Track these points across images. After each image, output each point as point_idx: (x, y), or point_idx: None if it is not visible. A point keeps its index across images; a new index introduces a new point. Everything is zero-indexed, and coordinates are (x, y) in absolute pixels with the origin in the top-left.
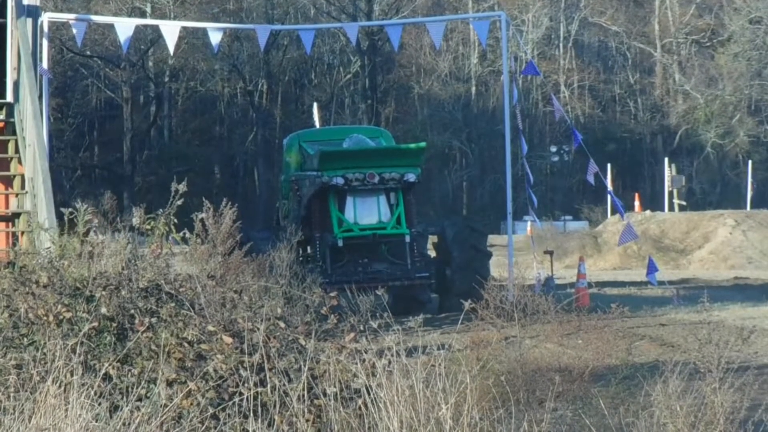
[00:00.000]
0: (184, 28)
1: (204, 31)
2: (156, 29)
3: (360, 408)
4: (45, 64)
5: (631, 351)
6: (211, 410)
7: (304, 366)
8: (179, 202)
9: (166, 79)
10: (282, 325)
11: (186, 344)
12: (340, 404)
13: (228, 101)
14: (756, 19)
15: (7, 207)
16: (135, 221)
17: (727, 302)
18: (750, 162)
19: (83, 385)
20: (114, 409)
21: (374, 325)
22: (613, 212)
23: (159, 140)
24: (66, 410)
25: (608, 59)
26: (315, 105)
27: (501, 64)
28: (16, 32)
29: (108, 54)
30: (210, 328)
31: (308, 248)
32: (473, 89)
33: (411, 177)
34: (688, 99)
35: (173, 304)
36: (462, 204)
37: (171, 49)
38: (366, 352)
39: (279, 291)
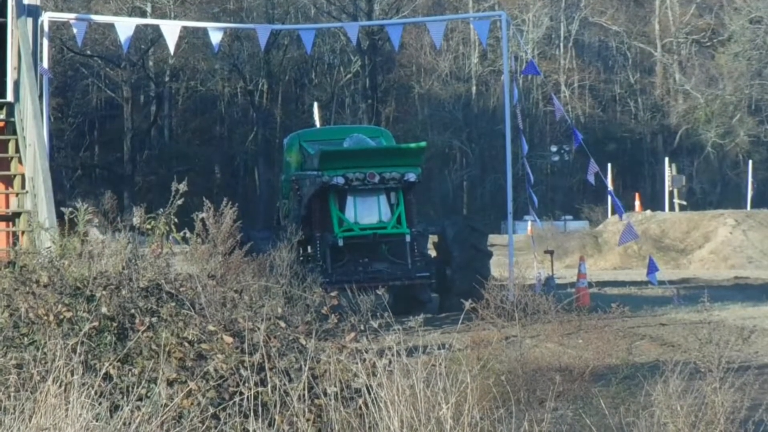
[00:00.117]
0: (184, 28)
1: (204, 30)
2: (156, 29)
3: (360, 408)
4: (45, 64)
5: (631, 351)
6: (211, 410)
7: (305, 366)
8: (179, 202)
9: (167, 79)
10: (282, 324)
11: (186, 344)
12: (341, 404)
13: (228, 101)
14: (756, 19)
15: (7, 206)
16: (135, 221)
17: (728, 302)
18: (750, 162)
19: (84, 384)
20: (114, 408)
21: (375, 324)
22: (614, 212)
23: (159, 140)
24: (66, 410)
25: (608, 59)
26: (315, 105)
27: (501, 63)
28: (17, 32)
29: (108, 53)
30: (210, 327)
31: (309, 248)
32: (473, 89)
33: (411, 177)
34: (688, 99)
35: (174, 304)
36: (462, 204)
37: (171, 48)
38: (366, 352)
39: (279, 291)
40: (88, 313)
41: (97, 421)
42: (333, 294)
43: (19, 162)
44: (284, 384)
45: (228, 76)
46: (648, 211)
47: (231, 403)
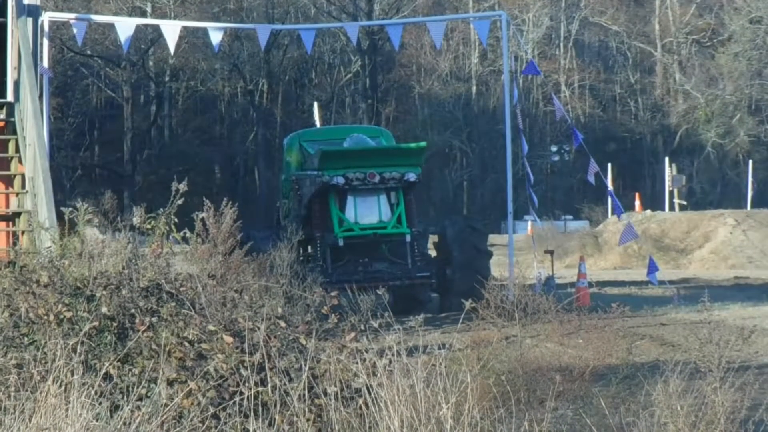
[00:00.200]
0: (184, 28)
1: (204, 30)
2: (156, 29)
3: (361, 407)
4: (45, 64)
5: (631, 350)
6: (211, 410)
7: (305, 365)
8: (180, 202)
9: (167, 79)
10: (282, 324)
11: (187, 344)
12: (341, 404)
13: (228, 101)
14: (756, 19)
15: (7, 206)
16: (135, 221)
17: (728, 302)
18: (750, 161)
19: (84, 384)
20: (114, 408)
21: (375, 324)
22: (614, 212)
23: (159, 140)
24: (66, 410)
25: (609, 59)
26: (315, 104)
27: (501, 63)
28: (17, 32)
29: (108, 53)
30: (210, 327)
31: (309, 248)
32: (474, 89)
33: (411, 176)
34: (688, 99)
35: (174, 304)
36: (462, 203)
37: (171, 48)
38: (367, 352)
39: (279, 290)
40: (88, 313)
41: (97, 421)
42: (333, 294)
43: (19, 162)
44: (284, 384)
45: (228, 76)
46: (648, 211)
47: (231, 402)
